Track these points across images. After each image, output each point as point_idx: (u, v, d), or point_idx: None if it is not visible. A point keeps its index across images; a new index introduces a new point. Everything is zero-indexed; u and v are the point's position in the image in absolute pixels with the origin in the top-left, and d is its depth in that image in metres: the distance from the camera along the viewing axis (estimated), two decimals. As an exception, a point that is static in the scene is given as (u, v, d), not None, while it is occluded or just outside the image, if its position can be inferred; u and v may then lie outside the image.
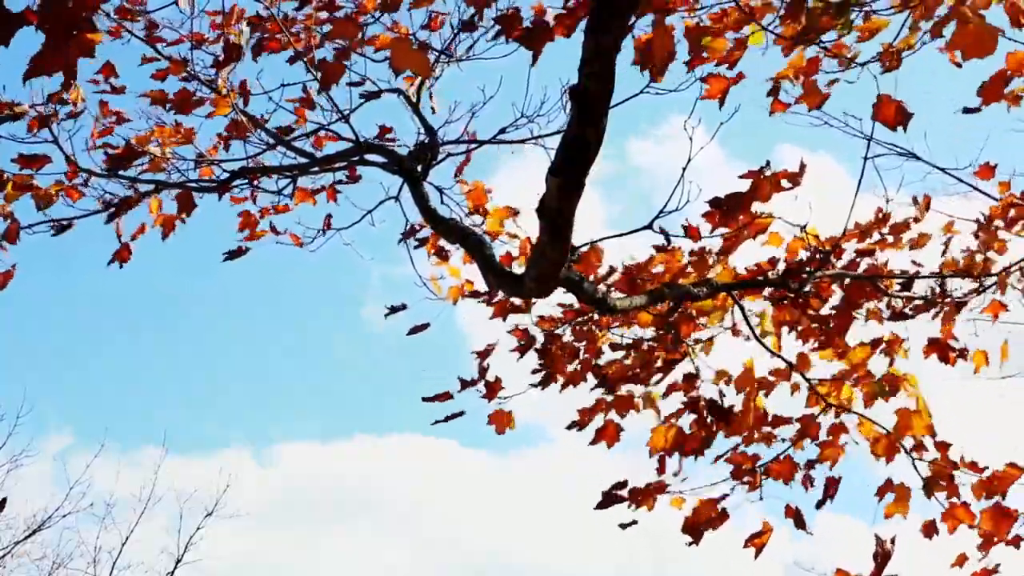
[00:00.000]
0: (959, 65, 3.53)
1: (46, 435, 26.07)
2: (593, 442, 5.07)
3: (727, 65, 4.19)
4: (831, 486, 4.83)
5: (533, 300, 4.99)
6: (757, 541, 4.56)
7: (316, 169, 5.01)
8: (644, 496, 4.75)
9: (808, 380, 4.98)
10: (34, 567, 15.92)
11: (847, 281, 4.95)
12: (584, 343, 5.18)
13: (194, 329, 27.55)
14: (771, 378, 5.03)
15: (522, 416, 5.20)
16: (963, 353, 5.07)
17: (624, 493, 4.73)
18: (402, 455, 26.82)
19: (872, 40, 4.14)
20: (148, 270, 27.77)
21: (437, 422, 4.97)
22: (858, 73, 4.13)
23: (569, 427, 5.11)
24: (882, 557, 3.89)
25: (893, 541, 3.94)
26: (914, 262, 5.06)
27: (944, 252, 5.05)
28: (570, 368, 5.16)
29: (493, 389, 5.09)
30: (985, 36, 3.03)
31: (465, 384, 5.04)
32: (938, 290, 4.95)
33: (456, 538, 24.05)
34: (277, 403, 27.89)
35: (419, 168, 4.71)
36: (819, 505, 4.81)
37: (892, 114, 3.88)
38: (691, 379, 4.98)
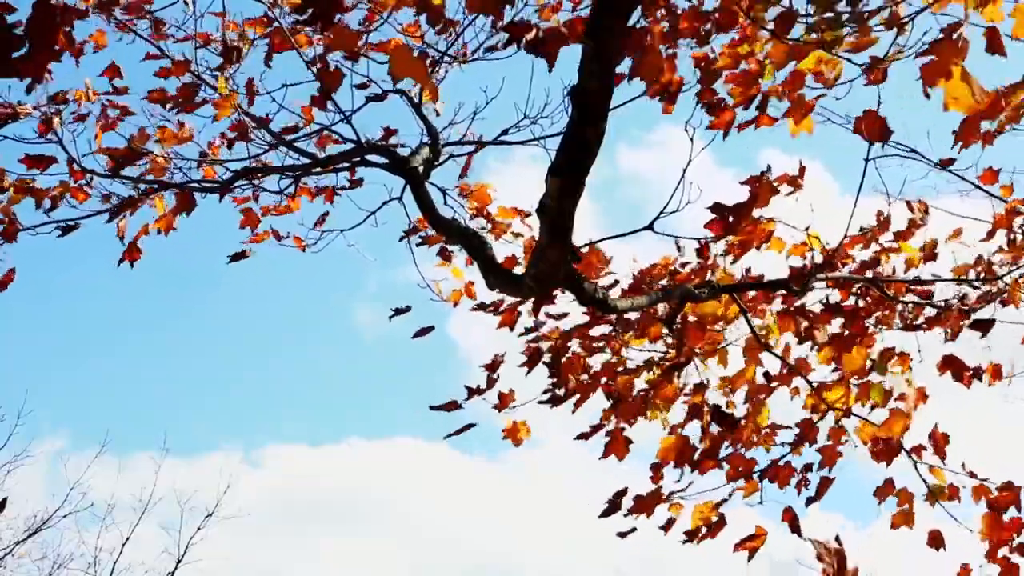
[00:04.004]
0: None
1: (41, 438, 26.20)
2: (603, 456, 4.95)
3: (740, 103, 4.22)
4: (824, 486, 4.86)
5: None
6: (750, 544, 4.56)
7: (319, 169, 5.00)
8: (644, 505, 4.74)
9: (810, 383, 4.96)
10: (34, 567, 15.99)
11: (854, 287, 4.94)
12: (594, 355, 5.11)
13: (187, 332, 27.72)
14: (772, 384, 5.01)
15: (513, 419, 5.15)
16: (978, 373, 5.00)
17: (625, 501, 4.70)
18: (395, 458, 27.08)
19: (861, 53, 4.15)
20: (144, 271, 27.80)
21: (449, 435, 4.92)
22: (847, 89, 4.13)
23: (577, 438, 5.01)
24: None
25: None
26: (925, 271, 5.04)
27: (980, 263, 4.99)
28: (580, 379, 5.09)
29: (504, 401, 5.05)
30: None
31: (472, 393, 4.99)
32: (955, 302, 4.91)
33: (452, 539, 24.24)
34: (271, 406, 28.04)
35: (421, 169, 4.70)
36: (809, 502, 4.85)
37: (875, 129, 3.87)
38: (698, 388, 4.96)
